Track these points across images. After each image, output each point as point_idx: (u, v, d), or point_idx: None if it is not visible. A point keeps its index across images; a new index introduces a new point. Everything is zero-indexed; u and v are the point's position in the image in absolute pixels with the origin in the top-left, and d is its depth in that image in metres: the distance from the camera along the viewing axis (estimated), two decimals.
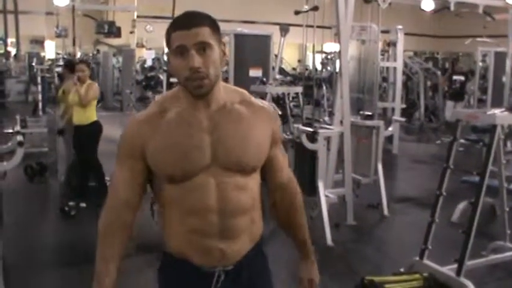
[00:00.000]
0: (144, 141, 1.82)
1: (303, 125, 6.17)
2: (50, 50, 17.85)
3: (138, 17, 16.53)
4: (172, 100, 1.88)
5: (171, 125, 1.82)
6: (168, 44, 1.79)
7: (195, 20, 1.77)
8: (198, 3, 15.86)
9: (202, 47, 1.74)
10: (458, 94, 13.16)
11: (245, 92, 1.97)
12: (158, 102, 1.90)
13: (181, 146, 1.80)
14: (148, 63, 21.43)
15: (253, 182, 1.91)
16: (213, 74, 1.76)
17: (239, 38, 8.88)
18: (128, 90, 11.85)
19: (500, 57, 11.37)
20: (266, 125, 1.92)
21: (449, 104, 13.20)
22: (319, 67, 15.97)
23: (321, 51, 15.14)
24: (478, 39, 12.15)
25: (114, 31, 14.25)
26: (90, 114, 6.73)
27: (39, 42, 19.33)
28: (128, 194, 1.86)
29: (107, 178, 6.75)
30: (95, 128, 6.77)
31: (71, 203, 6.43)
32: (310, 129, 5.80)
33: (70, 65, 7.58)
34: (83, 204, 6.50)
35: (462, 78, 13.10)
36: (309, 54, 16.11)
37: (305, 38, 6.97)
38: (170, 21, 1.84)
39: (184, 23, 1.76)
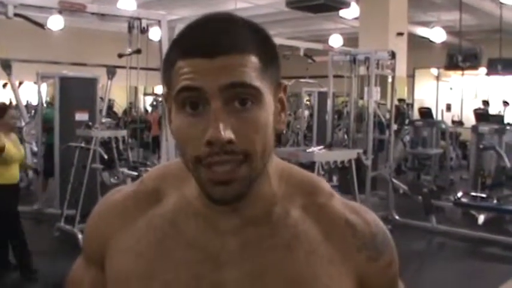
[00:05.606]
0: (105, 242, 0.99)
1: (129, 168, 6.06)
2: None
3: None
4: (178, 178, 0.98)
5: (156, 231, 0.94)
6: (169, 82, 0.88)
7: (227, 35, 0.84)
8: (19, 46, 15.08)
9: (240, 97, 0.84)
10: None
11: (321, 182, 1.01)
12: (151, 177, 1.03)
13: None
14: None
15: None
16: (260, 153, 0.86)
17: (64, 81, 8.57)
18: None
19: (323, 97, 12.00)
20: (347, 262, 0.93)
21: None
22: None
23: (153, 93, 15.14)
24: (301, 80, 12.78)
25: None
26: (17, 171, 5.58)
27: None
28: None
29: None
30: (18, 188, 5.71)
31: None
32: (135, 173, 5.70)
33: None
34: None
35: None
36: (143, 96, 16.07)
37: (129, 80, 6.89)
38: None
39: (203, 40, 0.84)
